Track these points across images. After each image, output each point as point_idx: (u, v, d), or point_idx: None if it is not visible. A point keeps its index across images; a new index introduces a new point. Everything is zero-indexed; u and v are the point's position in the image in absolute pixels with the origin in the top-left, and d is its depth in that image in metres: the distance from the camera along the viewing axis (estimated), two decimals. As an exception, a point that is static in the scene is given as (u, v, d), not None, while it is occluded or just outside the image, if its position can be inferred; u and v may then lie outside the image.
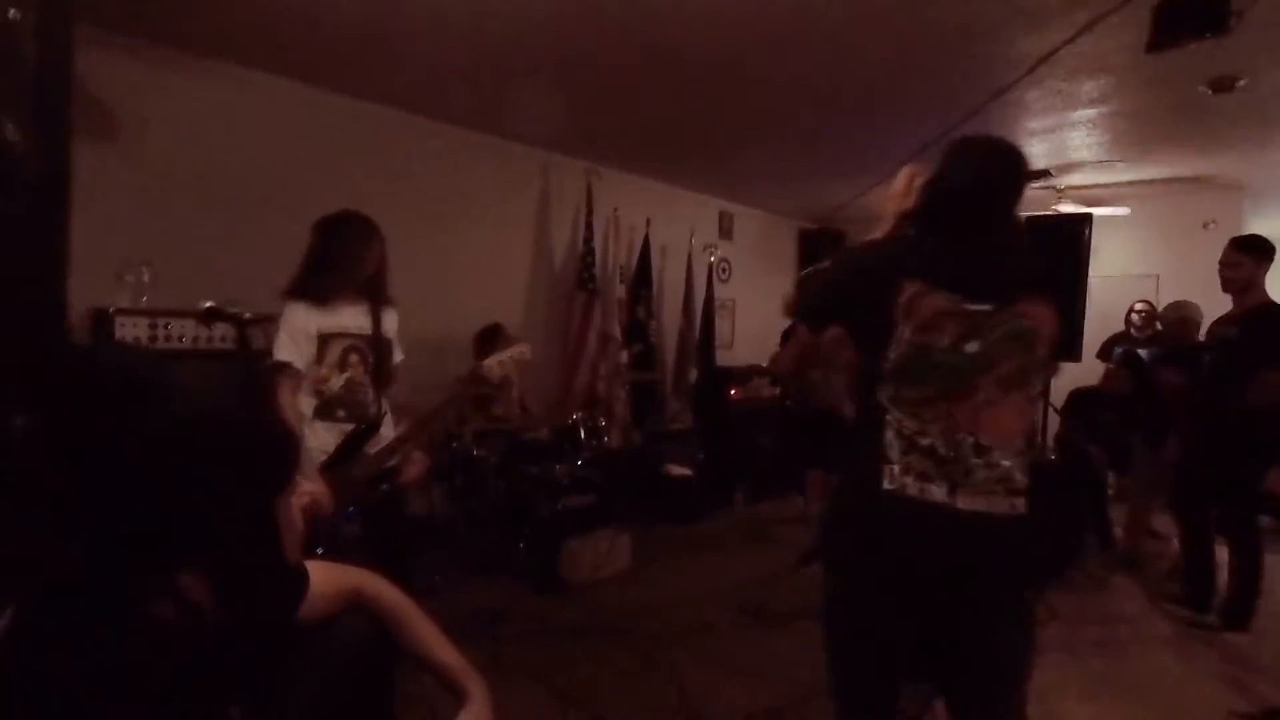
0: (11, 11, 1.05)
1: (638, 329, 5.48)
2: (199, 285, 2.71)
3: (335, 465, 2.17)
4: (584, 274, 5.04)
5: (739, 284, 6.85)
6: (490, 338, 4.25)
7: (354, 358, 2.23)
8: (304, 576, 1.04)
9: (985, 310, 1.30)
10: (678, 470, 5.05)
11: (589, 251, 5.06)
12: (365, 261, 2.24)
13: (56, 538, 0.61)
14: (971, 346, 1.29)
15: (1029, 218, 5.35)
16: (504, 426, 4.03)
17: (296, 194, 3.69)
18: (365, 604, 1.13)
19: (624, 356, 5.29)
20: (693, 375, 5.85)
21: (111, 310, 2.51)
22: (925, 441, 1.27)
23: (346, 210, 2.30)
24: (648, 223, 5.58)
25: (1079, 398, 4.82)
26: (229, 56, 3.43)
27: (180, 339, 2.59)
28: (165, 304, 2.75)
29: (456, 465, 3.92)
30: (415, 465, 2.30)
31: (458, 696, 1.14)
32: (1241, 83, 3.40)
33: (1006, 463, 1.27)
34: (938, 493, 1.26)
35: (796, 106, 4.00)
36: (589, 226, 5.07)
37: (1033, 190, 5.69)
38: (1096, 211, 5.29)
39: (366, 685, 1.09)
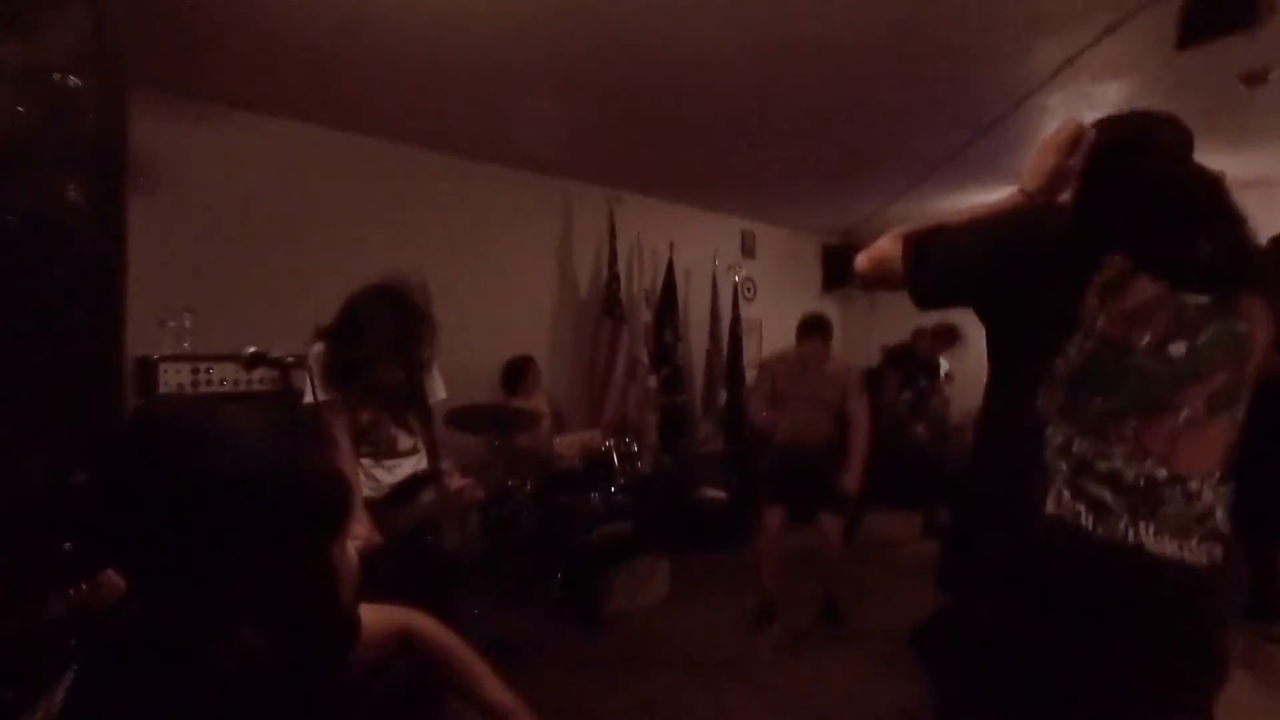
0: (71, 79, 1.10)
1: (665, 353, 5.48)
2: (239, 329, 2.78)
3: (388, 505, 2.20)
4: (610, 300, 5.06)
5: (764, 303, 6.82)
6: (519, 371, 4.28)
7: (373, 397, 2.23)
8: (357, 620, 1.03)
9: (1200, 304, 1.01)
10: (712, 493, 5.00)
11: (614, 278, 5.09)
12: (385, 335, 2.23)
13: (120, 595, 0.61)
14: (1176, 349, 1.01)
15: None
16: (537, 455, 4.03)
17: (330, 236, 3.79)
18: (416, 644, 1.12)
19: (653, 381, 5.28)
20: (723, 397, 5.81)
21: (156, 358, 2.58)
22: (1105, 466, 1.00)
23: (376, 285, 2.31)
24: (671, 246, 5.60)
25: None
26: (261, 108, 3.55)
27: (222, 382, 2.65)
28: (207, 349, 2.82)
29: (490, 497, 3.92)
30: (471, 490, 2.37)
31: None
32: (1275, 74, 3.32)
33: (1208, 496, 1.01)
34: (1120, 527, 0.98)
35: (815, 123, 4.00)
36: (613, 253, 5.10)
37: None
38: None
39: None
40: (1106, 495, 1.00)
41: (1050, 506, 1.01)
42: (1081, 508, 1.00)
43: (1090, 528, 0.99)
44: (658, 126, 4.04)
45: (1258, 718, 2.53)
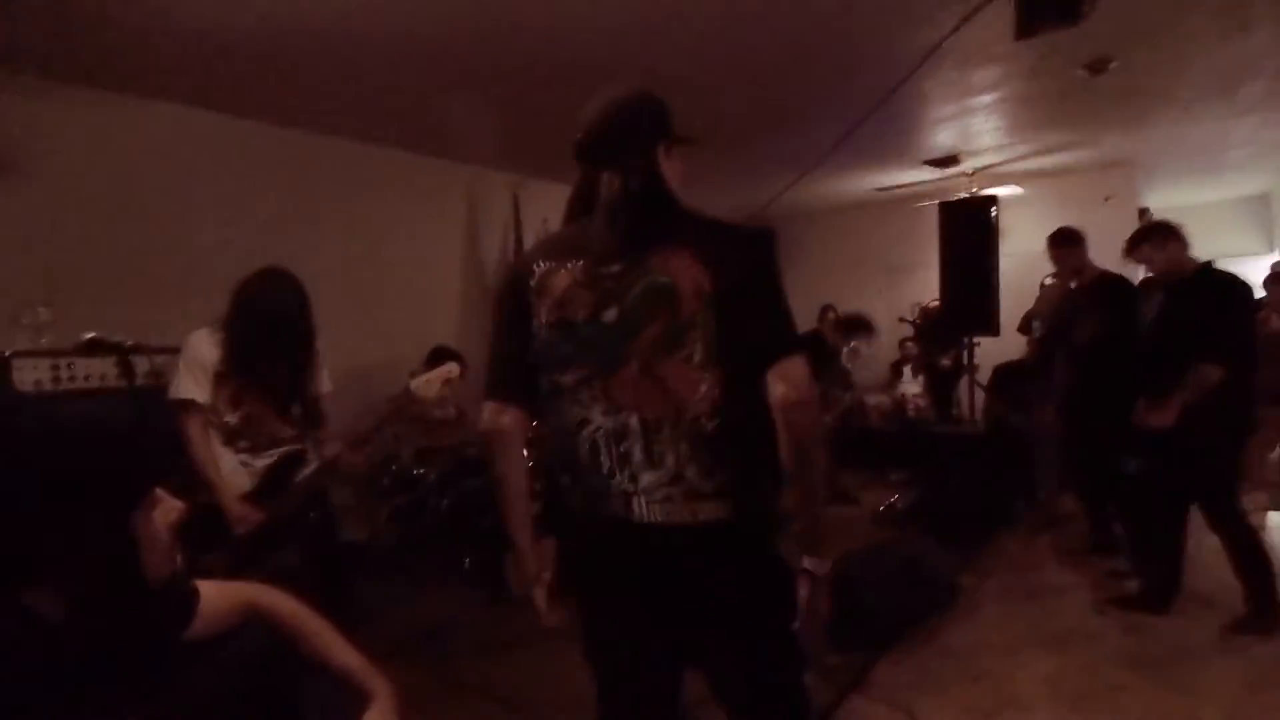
0: None
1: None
2: (109, 324, 2.63)
3: (263, 493, 2.16)
4: (517, 286, 5.05)
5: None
6: (436, 360, 4.20)
7: (250, 394, 2.16)
8: (190, 594, 1.04)
9: (614, 272, 1.18)
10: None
11: (521, 263, 5.08)
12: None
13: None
14: (609, 315, 1.17)
15: (941, 203, 5.60)
16: (444, 444, 4.01)
17: (206, 225, 3.63)
18: (262, 616, 1.14)
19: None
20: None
21: (8, 354, 2.42)
22: (584, 447, 1.19)
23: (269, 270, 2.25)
24: (579, 231, 5.62)
25: (1003, 372, 5.05)
26: (132, 89, 3.34)
27: (86, 379, 2.50)
28: (71, 344, 2.66)
29: (397, 486, 3.89)
30: (348, 453, 2.29)
31: (362, 698, 1.15)
32: (1114, 64, 3.64)
33: (682, 448, 1.15)
34: (615, 507, 1.19)
35: (707, 111, 4.09)
36: (518, 239, 5.09)
37: (943, 176, 5.95)
38: (1001, 192, 5.58)
39: (265, 697, 1.10)
40: (602, 483, 1.19)
41: (577, 503, 1.23)
42: (590, 499, 1.21)
43: (598, 512, 1.20)
44: (558, 114, 4.03)
45: (1093, 639, 2.83)
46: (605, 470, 1.19)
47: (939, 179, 6.09)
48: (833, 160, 5.30)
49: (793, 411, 1.13)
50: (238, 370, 2.12)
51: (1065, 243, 3.61)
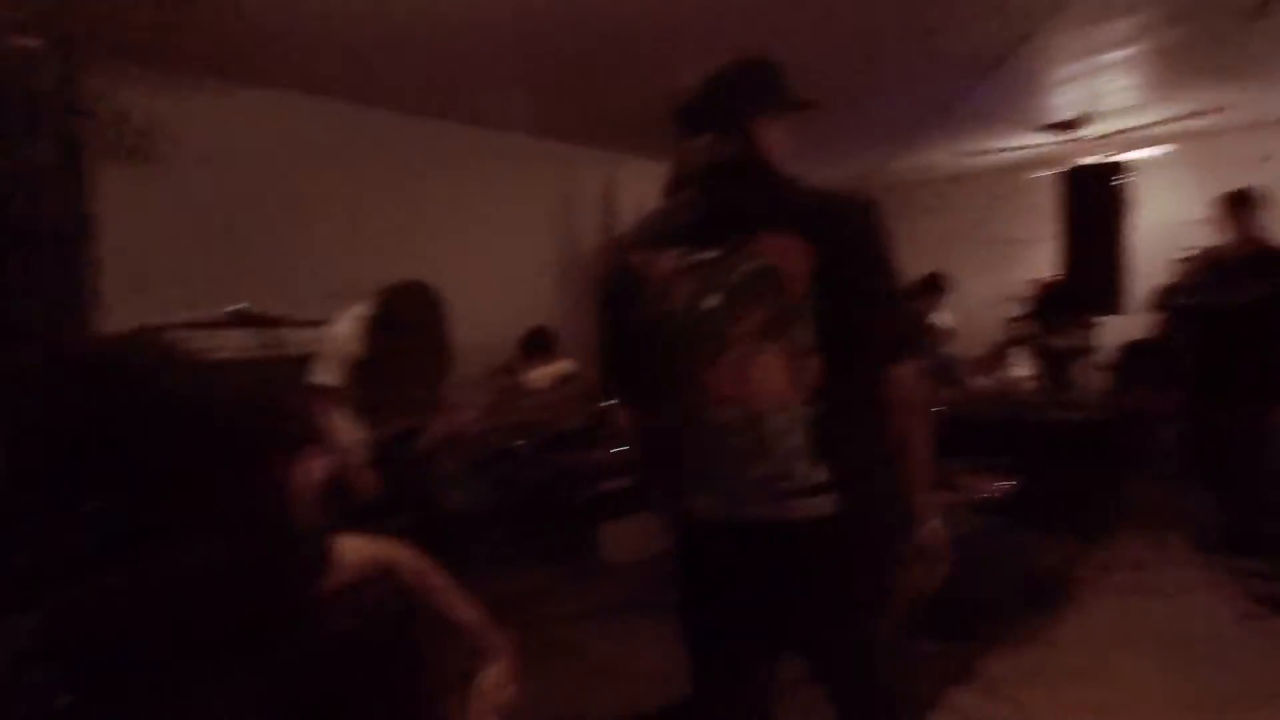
0: (25, 40, 1.11)
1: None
2: (250, 296, 2.86)
3: (381, 460, 2.32)
4: (612, 264, 5.10)
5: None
6: (536, 343, 4.32)
7: (381, 381, 2.29)
8: (326, 548, 1.12)
9: (715, 257, 1.13)
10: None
11: (616, 241, 5.12)
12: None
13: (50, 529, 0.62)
14: (709, 302, 1.12)
15: (1063, 170, 5.16)
16: (539, 417, 4.13)
17: (324, 204, 3.86)
18: (390, 571, 1.23)
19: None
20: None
21: (162, 326, 2.67)
22: (700, 428, 1.15)
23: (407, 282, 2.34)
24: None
25: (1131, 352, 4.66)
26: (252, 79, 3.59)
27: (233, 349, 2.71)
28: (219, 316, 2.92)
29: (496, 457, 4.05)
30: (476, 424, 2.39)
31: (483, 655, 1.22)
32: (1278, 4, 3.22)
33: (792, 439, 1.10)
34: (725, 506, 1.16)
35: (814, 73, 3.92)
36: (614, 217, 5.13)
37: (1068, 140, 5.48)
38: (1138, 156, 5.08)
39: (392, 651, 1.18)
40: (707, 475, 1.16)
41: (681, 494, 1.21)
42: (695, 491, 1.18)
43: (704, 504, 1.17)
44: (654, 88, 3.98)
45: (1222, 643, 2.62)
46: (711, 462, 1.16)
47: (1059, 144, 5.62)
48: (938, 127, 4.99)
49: (901, 413, 1.16)
50: (371, 365, 2.27)
51: (1243, 204, 3.41)
